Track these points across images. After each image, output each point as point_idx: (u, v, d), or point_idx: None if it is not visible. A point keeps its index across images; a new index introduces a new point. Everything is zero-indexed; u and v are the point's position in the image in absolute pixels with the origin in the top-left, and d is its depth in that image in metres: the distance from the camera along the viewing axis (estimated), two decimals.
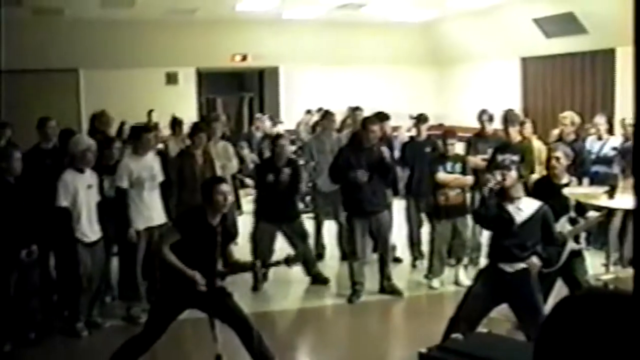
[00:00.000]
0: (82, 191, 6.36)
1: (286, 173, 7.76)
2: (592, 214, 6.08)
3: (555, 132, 9.31)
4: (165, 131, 11.41)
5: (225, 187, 5.18)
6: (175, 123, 10.59)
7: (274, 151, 8.01)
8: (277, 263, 5.51)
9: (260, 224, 7.96)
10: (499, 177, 5.28)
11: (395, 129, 11.05)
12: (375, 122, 7.64)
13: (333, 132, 9.34)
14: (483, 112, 8.93)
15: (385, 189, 7.73)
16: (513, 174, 5.32)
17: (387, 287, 7.61)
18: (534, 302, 5.26)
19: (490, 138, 8.61)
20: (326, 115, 9.60)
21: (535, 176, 7.48)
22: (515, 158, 7.56)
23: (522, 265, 5.29)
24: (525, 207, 5.35)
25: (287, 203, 7.89)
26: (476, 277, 5.69)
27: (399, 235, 8.63)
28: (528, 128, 8.61)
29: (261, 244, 7.84)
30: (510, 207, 5.33)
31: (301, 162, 8.90)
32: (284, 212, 7.87)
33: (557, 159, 6.19)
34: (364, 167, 7.33)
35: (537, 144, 8.50)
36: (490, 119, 8.83)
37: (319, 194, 8.91)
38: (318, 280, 8.06)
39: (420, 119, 9.06)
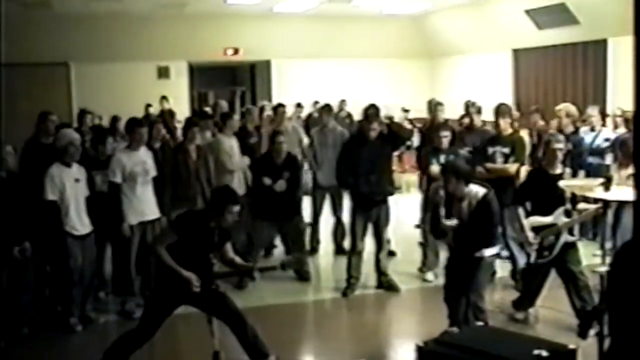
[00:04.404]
0: (69, 185, 6.34)
1: (286, 176, 7.68)
2: (582, 205, 6.10)
3: (554, 123, 9.31)
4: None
5: (237, 209, 5.09)
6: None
7: (272, 147, 7.84)
8: (273, 267, 5.49)
9: (257, 222, 7.91)
10: (441, 192, 5.56)
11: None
12: (373, 117, 7.54)
13: (337, 127, 9.22)
14: (471, 104, 8.90)
15: (388, 180, 7.60)
16: (453, 179, 5.50)
17: (384, 282, 7.60)
18: (477, 285, 5.59)
19: (478, 131, 8.57)
20: (325, 108, 9.47)
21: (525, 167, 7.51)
22: (506, 150, 7.56)
23: (479, 253, 5.53)
24: (472, 202, 5.52)
25: (286, 202, 7.76)
26: (445, 266, 5.99)
27: (392, 228, 8.62)
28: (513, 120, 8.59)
29: (259, 245, 7.85)
30: (457, 206, 5.54)
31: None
32: (283, 211, 7.77)
33: (560, 150, 6.23)
34: (367, 160, 7.28)
35: (524, 136, 8.44)
36: (478, 111, 8.80)
37: (319, 188, 8.85)
38: (304, 277, 8.01)
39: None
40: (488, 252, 5.58)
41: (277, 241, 8.79)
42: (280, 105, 9.74)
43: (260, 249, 7.97)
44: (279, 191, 7.67)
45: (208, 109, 12.76)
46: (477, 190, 5.57)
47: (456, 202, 5.56)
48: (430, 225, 5.81)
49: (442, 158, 7.66)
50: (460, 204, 5.54)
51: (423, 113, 10.49)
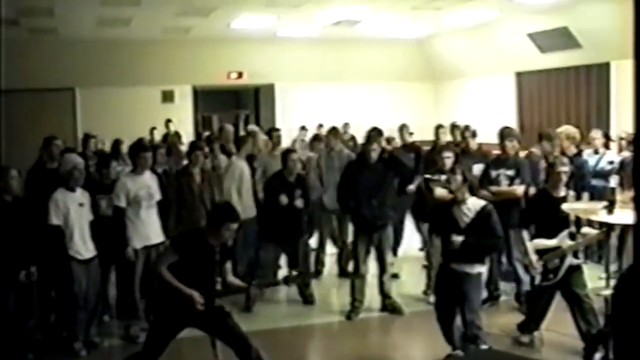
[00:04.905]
0: (73, 209, 6.36)
1: (298, 195, 7.71)
2: (586, 229, 6.09)
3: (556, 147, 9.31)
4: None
5: (235, 226, 5.10)
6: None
7: (284, 166, 7.85)
8: (276, 283, 5.48)
9: (264, 244, 7.93)
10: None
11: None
12: (374, 139, 7.56)
13: (344, 150, 9.26)
14: (466, 127, 8.95)
15: (392, 205, 7.58)
16: (458, 177, 5.65)
17: (388, 305, 7.58)
18: (471, 302, 5.64)
19: (475, 154, 8.58)
20: (332, 131, 9.46)
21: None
22: (510, 173, 7.56)
23: (469, 268, 5.61)
24: (471, 209, 5.65)
25: (294, 223, 7.80)
26: (435, 279, 6.12)
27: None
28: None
29: (265, 266, 7.85)
30: (456, 210, 5.67)
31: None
32: (291, 232, 7.81)
33: (564, 172, 6.23)
34: (368, 184, 7.30)
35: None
36: (473, 134, 8.82)
37: (325, 211, 8.85)
38: (308, 300, 8.02)
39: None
40: (477, 269, 5.64)
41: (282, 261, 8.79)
42: (275, 129, 9.81)
43: (267, 269, 7.95)
44: (300, 208, 7.71)
45: (207, 134, 12.79)
46: (478, 201, 5.71)
47: (456, 206, 5.68)
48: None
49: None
50: (460, 208, 5.66)
51: (427, 136, 10.50)
